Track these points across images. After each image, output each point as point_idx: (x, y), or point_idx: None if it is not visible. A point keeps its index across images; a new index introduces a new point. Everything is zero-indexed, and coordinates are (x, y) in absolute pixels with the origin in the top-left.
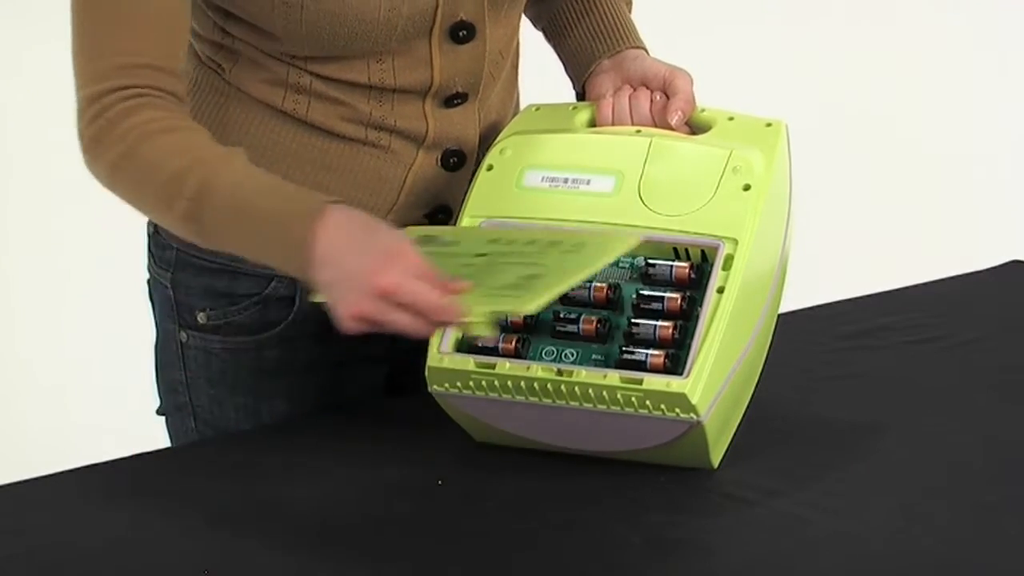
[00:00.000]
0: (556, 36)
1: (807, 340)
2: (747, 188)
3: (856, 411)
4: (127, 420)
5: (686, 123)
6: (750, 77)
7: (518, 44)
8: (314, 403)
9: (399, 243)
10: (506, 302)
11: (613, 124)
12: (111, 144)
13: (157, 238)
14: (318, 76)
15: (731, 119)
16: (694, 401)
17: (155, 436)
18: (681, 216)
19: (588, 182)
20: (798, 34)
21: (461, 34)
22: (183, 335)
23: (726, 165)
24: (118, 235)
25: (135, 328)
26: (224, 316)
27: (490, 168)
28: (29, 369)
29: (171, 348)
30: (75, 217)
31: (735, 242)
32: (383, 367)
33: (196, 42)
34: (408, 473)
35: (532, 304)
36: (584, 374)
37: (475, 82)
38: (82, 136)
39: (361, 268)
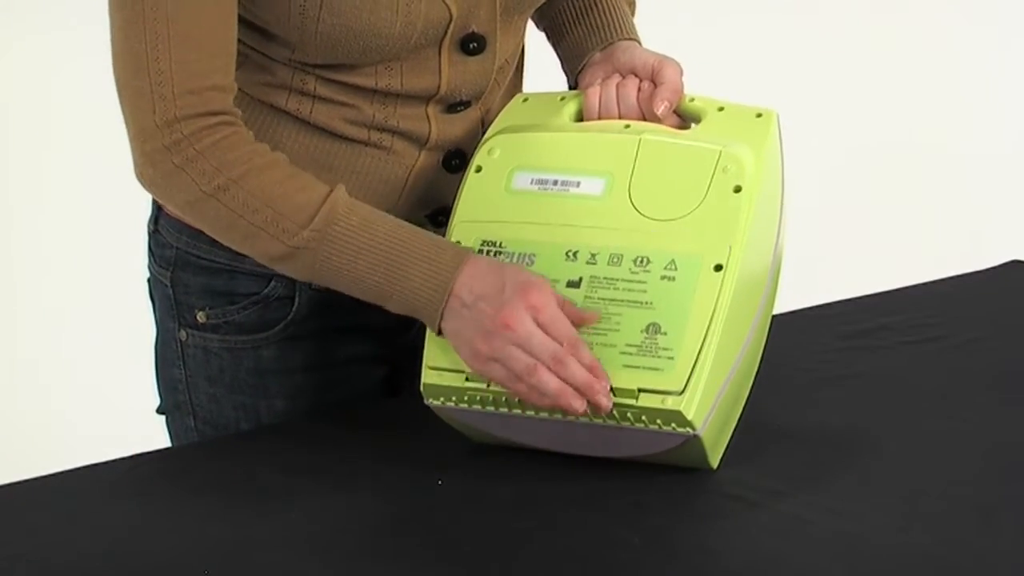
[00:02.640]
0: (555, 36)
1: (807, 340)
2: (738, 190)
3: (856, 411)
4: (127, 419)
5: (676, 113)
6: (748, 72)
7: (523, 48)
8: (313, 403)
9: (539, 286)
10: (651, 377)
11: (600, 113)
12: (206, 175)
13: (157, 237)
14: (324, 79)
15: (721, 109)
16: (690, 417)
17: (155, 436)
18: (671, 220)
19: (578, 184)
20: (797, 29)
21: (472, 46)
22: (183, 334)
23: (716, 165)
24: (118, 233)
25: (135, 327)
26: (223, 315)
27: (479, 170)
28: (29, 368)
29: (171, 347)
30: (75, 215)
31: (727, 249)
32: (382, 367)
33: None
34: (408, 473)
35: (681, 381)
36: None
37: (480, 91)
38: (154, 161)
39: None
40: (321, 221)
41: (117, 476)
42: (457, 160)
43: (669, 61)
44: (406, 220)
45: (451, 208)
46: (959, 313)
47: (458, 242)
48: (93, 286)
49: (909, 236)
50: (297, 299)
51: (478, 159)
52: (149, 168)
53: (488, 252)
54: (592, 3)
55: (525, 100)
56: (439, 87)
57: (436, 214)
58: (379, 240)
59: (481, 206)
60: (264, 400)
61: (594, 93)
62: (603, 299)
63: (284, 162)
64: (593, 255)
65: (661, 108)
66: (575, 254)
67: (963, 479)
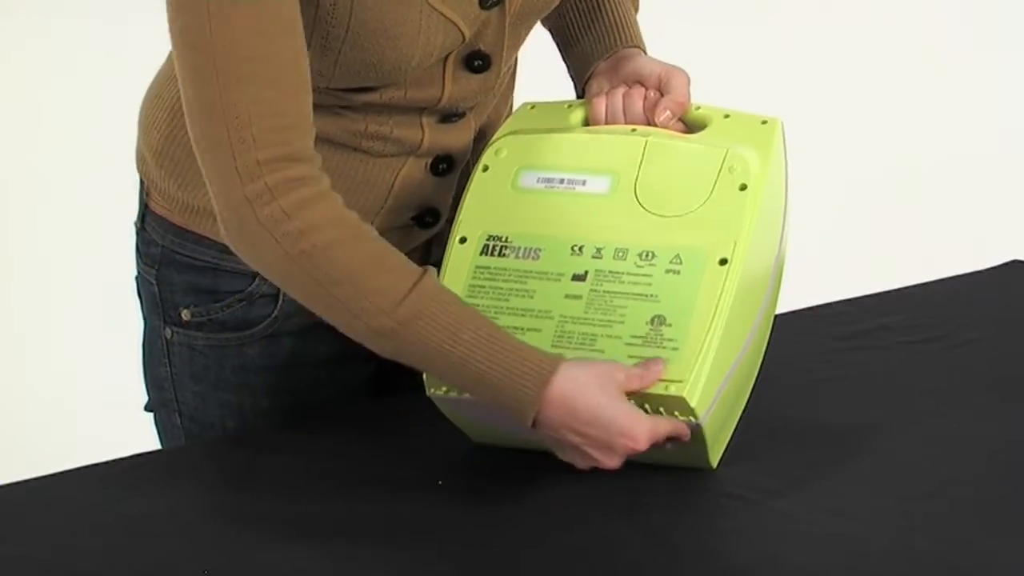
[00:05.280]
0: (562, 44)
1: (807, 340)
2: (743, 188)
3: (856, 411)
4: (127, 419)
5: (681, 121)
6: (750, 75)
7: (517, 55)
8: (298, 400)
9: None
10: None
11: (606, 121)
12: (291, 236)
13: (144, 235)
14: (323, 92)
15: (727, 116)
16: (693, 404)
17: (155, 435)
18: (677, 217)
19: (584, 183)
20: (799, 32)
21: (476, 64)
22: (168, 332)
23: (722, 164)
24: (108, 231)
25: (135, 326)
26: (208, 313)
27: (486, 169)
28: (22, 367)
29: (157, 344)
30: (64, 213)
31: (732, 244)
32: (368, 365)
33: None
34: (408, 473)
35: (685, 370)
36: None
37: (477, 103)
38: (240, 216)
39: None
40: (405, 313)
41: (117, 476)
42: (444, 164)
43: (676, 70)
44: (391, 223)
45: (437, 209)
46: (959, 313)
47: (476, 235)
48: (92, 285)
49: (909, 236)
50: (282, 297)
51: (485, 159)
52: (236, 224)
53: (494, 246)
54: (596, 10)
55: (532, 108)
56: (440, 100)
57: (422, 215)
58: (462, 344)
59: (487, 203)
60: (249, 398)
61: (600, 102)
62: (608, 292)
63: (372, 235)
64: (599, 249)
65: (663, 117)
66: (580, 248)
67: (963, 479)
